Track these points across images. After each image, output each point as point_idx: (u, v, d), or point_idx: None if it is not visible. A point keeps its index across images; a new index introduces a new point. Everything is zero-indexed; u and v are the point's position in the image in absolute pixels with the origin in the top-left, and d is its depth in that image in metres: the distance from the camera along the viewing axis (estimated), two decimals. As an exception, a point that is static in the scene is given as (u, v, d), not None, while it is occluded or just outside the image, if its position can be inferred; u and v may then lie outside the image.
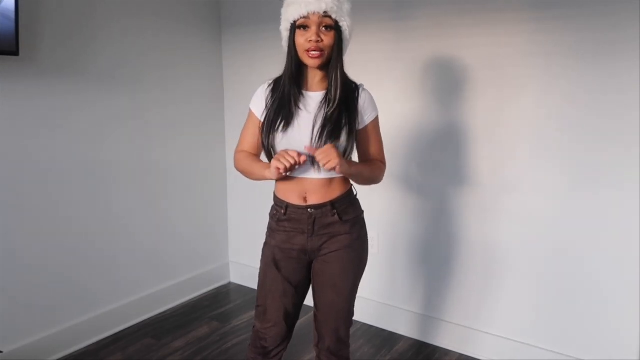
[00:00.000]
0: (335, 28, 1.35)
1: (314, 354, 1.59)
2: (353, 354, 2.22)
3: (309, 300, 1.55)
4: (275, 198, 1.51)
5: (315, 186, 1.43)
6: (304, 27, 1.35)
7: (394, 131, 2.31)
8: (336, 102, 1.38)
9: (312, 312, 1.56)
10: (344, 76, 1.41)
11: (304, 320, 2.15)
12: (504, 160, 2.09)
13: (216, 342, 2.42)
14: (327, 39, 1.35)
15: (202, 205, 2.94)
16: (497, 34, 2.03)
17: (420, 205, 2.35)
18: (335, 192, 1.45)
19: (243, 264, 3.07)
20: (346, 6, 1.37)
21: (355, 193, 1.53)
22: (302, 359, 2.25)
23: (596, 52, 1.83)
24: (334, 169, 1.31)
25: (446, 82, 2.19)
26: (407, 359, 2.27)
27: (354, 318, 1.58)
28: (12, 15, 1.83)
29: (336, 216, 1.44)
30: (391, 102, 2.31)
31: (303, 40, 1.35)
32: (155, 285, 2.69)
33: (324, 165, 1.31)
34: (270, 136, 1.41)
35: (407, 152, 2.33)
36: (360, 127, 1.45)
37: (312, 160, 1.39)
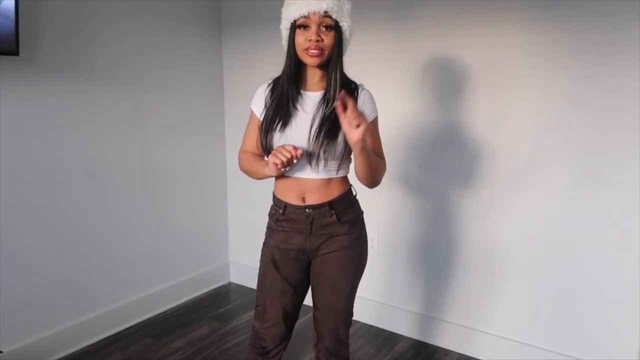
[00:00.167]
0: (335, 28, 1.35)
1: (313, 354, 1.59)
2: (353, 354, 2.22)
3: (308, 300, 1.55)
4: (274, 198, 1.52)
5: (313, 186, 1.43)
6: (304, 26, 1.34)
7: (394, 131, 2.31)
8: (334, 101, 1.38)
9: (312, 312, 1.56)
10: (343, 76, 1.41)
11: (304, 320, 2.15)
12: (504, 160, 2.09)
13: (216, 342, 2.42)
14: (327, 38, 1.35)
15: (202, 205, 2.94)
16: (497, 34, 2.03)
17: (420, 205, 2.35)
18: (334, 193, 1.45)
19: (243, 264, 3.07)
20: (346, 6, 1.37)
21: (354, 193, 1.53)
22: (301, 359, 2.25)
23: (596, 52, 1.83)
24: (355, 141, 1.24)
25: (446, 82, 2.19)
26: (407, 359, 2.27)
27: (354, 318, 1.58)
28: (12, 15, 1.83)
29: (334, 217, 1.43)
30: (391, 102, 2.31)
31: (303, 39, 1.35)
32: (155, 285, 2.69)
33: (355, 124, 1.21)
34: (269, 135, 1.41)
35: (407, 152, 2.33)
36: None
37: (309, 159, 1.38)
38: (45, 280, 2.18)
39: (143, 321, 2.61)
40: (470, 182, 2.19)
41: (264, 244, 1.54)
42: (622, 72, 1.78)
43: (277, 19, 1.42)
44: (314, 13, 1.32)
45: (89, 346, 2.35)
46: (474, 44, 2.09)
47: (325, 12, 1.32)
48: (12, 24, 1.84)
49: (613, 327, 1.92)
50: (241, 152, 1.56)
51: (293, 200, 1.45)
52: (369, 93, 1.46)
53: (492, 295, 2.20)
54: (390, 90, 2.32)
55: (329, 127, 1.37)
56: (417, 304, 2.43)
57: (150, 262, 2.66)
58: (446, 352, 2.32)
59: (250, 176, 1.53)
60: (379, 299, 2.54)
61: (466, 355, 2.28)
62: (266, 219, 1.55)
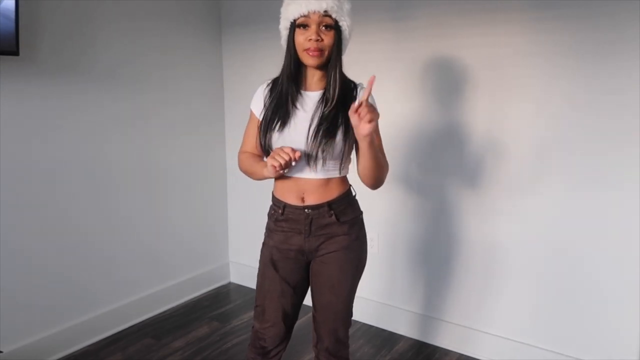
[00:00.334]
0: (335, 28, 1.35)
1: (313, 354, 1.59)
2: (353, 354, 2.22)
3: (308, 300, 1.55)
4: (274, 198, 1.51)
5: (312, 186, 1.42)
6: (304, 26, 1.34)
7: (394, 131, 2.31)
8: (334, 101, 1.37)
9: (311, 313, 1.56)
10: (343, 76, 1.41)
11: (304, 321, 2.15)
12: (504, 160, 2.09)
13: (216, 342, 2.42)
14: (327, 38, 1.34)
15: (202, 205, 2.94)
16: (497, 34, 2.03)
17: (420, 205, 2.35)
18: (333, 193, 1.44)
19: (243, 264, 3.07)
20: (346, 6, 1.37)
21: (354, 194, 1.52)
22: (301, 359, 2.25)
23: (596, 52, 1.83)
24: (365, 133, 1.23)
25: (446, 82, 2.19)
26: (407, 359, 2.27)
27: (354, 318, 1.58)
28: (12, 15, 1.83)
29: (333, 217, 1.43)
30: (391, 102, 2.30)
31: (302, 39, 1.34)
32: (155, 285, 2.69)
33: (367, 119, 1.20)
34: (267, 135, 1.41)
35: (407, 152, 2.33)
36: None
37: (307, 159, 1.38)
38: (45, 280, 2.18)
39: (143, 321, 2.61)
40: (470, 182, 2.19)
41: (263, 244, 1.54)
42: (622, 72, 1.78)
43: (277, 19, 1.42)
44: (314, 12, 1.32)
45: (89, 346, 2.35)
46: (474, 44, 2.09)
47: (325, 11, 1.32)
48: (12, 24, 1.84)
49: (613, 327, 1.92)
50: (241, 152, 1.56)
51: (292, 200, 1.44)
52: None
53: (492, 295, 2.20)
54: (390, 90, 2.32)
55: (327, 127, 1.36)
56: (417, 304, 2.43)
57: (150, 262, 2.66)
58: (446, 352, 2.32)
59: (249, 177, 1.53)
60: (379, 299, 2.54)
61: (466, 355, 2.28)
62: (266, 219, 1.55)
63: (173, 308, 2.77)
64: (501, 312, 2.19)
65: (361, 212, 1.54)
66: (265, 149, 1.44)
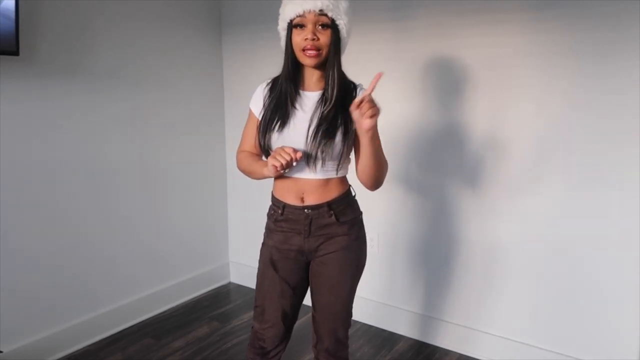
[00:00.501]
0: (332, 26, 1.34)
1: (312, 354, 1.59)
2: (353, 354, 2.22)
3: (308, 300, 1.55)
4: (273, 198, 1.51)
5: (312, 186, 1.42)
6: (301, 25, 1.34)
7: (394, 131, 2.31)
8: (332, 101, 1.37)
9: (311, 313, 1.56)
10: (341, 75, 1.41)
11: (303, 321, 2.15)
12: (504, 160, 2.09)
13: (216, 342, 2.42)
14: (324, 37, 1.34)
15: (202, 205, 2.94)
16: (497, 34, 2.03)
17: (420, 205, 2.35)
18: (333, 193, 1.44)
19: (243, 264, 3.07)
20: (343, 4, 1.36)
21: (353, 194, 1.52)
22: (301, 359, 2.25)
23: (596, 52, 1.83)
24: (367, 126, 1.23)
25: (446, 82, 2.19)
26: (407, 359, 2.27)
27: (354, 318, 1.58)
28: (12, 15, 1.83)
29: (333, 217, 1.43)
30: (391, 102, 2.30)
31: (299, 39, 1.34)
32: (155, 285, 2.69)
33: (368, 115, 1.21)
34: (267, 135, 1.41)
35: (407, 152, 2.33)
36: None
37: (307, 160, 1.38)
38: (46, 280, 2.18)
39: (143, 321, 2.61)
40: (470, 182, 2.19)
41: (263, 244, 1.54)
42: (622, 72, 1.78)
43: (277, 19, 1.42)
44: (310, 11, 1.32)
45: (89, 346, 2.35)
46: (474, 44, 2.08)
47: (321, 10, 1.32)
48: (12, 24, 1.84)
49: (613, 327, 1.92)
50: (239, 151, 1.56)
51: (292, 200, 1.44)
52: None
53: (492, 295, 2.20)
54: (390, 90, 2.32)
55: (326, 127, 1.36)
56: (417, 304, 2.43)
57: (150, 262, 2.66)
58: (446, 352, 2.32)
59: (248, 176, 1.53)
60: (379, 299, 2.54)
61: (466, 355, 2.28)
62: (266, 219, 1.55)
63: (173, 308, 2.77)
64: (501, 312, 2.19)
65: (361, 213, 1.53)
66: (264, 149, 1.44)
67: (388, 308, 2.51)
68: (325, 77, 1.40)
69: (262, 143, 1.43)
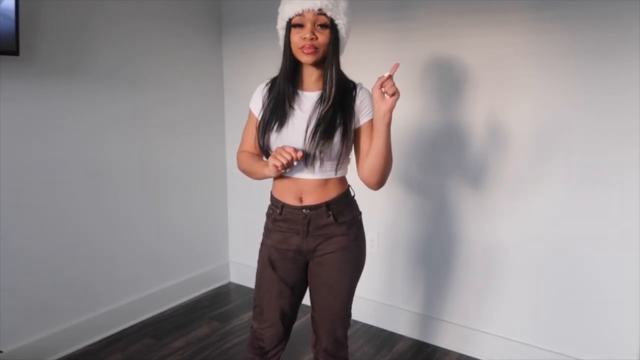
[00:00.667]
0: (330, 26, 1.34)
1: (312, 354, 1.59)
2: (353, 354, 2.22)
3: (307, 300, 1.55)
4: (272, 198, 1.51)
5: (310, 187, 1.42)
6: (299, 25, 1.34)
7: (394, 131, 2.29)
8: (330, 101, 1.37)
9: (310, 313, 1.56)
10: (340, 75, 1.41)
11: (303, 321, 2.15)
12: (503, 160, 2.09)
13: (216, 342, 2.42)
14: (322, 37, 1.34)
15: (202, 205, 2.94)
16: (497, 34, 2.03)
17: (420, 205, 2.35)
18: (331, 193, 1.44)
19: (243, 264, 3.07)
20: (342, 4, 1.36)
21: (352, 194, 1.52)
22: (300, 359, 2.25)
23: (596, 52, 1.83)
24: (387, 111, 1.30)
25: (446, 82, 2.19)
26: (407, 359, 2.27)
27: (354, 318, 1.58)
28: (12, 15, 1.83)
29: (331, 217, 1.43)
30: (391, 102, 2.30)
31: (298, 38, 1.34)
32: (155, 285, 2.69)
33: (391, 92, 1.28)
34: (266, 135, 1.41)
35: (407, 152, 2.33)
36: (357, 126, 1.42)
37: (305, 160, 1.38)
38: (46, 280, 2.18)
39: (143, 321, 2.61)
40: (470, 182, 2.19)
41: (262, 243, 1.54)
42: (622, 72, 1.78)
43: (277, 18, 1.42)
44: (308, 11, 1.32)
45: (89, 346, 2.35)
46: (474, 44, 2.08)
47: (320, 9, 1.32)
48: (12, 24, 1.84)
49: (613, 327, 1.92)
50: (240, 151, 1.56)
51: (290, 200, 1.44)
52: (368, 92, 1.45)
53: (492, 295, 2.20)
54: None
55: (325, 128, 1.36)
56: (417, 304, 2.43)
57: (150, 262, 2.66)
58: (446, 352, 2.32)
59: (249, 176, 1.53)
60: (379, 299, 2.54)
61: (466, 355, 2.28)
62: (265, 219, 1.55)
63: (173, 308, 2.77)
64: (501, 312, 2.19)
65: (360, 213, 1.53)
66: (264, 149, 1.44)
67: (388, 308, 2.51)
68: (323, 77, 1.40)
69: (261, 143, 1.43)
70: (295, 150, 1.32)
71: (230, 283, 3.14)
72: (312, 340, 1.56)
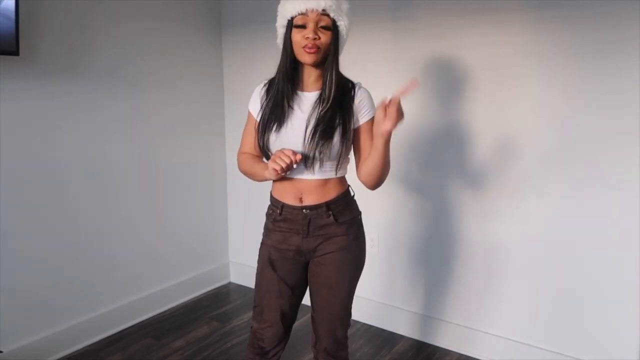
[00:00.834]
0: (332, 27, 1.34)
1: (312, 354, 1.59)
2: (353, 354, 2.22)
3: (307, 300, 1.55)
4: (272, 198, 1.51)
5: (310, 187, 1.42)
6: (302, 24, 1.33)
7: (394, 131, 2.30)
8: (330, 101, 1.36)
9: (310, 313, 1.56)
10: (339, 75, 1.40)
11: (303, 321, 2.15)
12: (503, 160, 2.09)
13: (216, 342, 2.42)
14: (324, 37, 1.33)
15: (202, 205, 2.94)
16: (497, 34, 2.03)
17: (420, 205, 2.35)
18: (331, 193, 1.44)
19: (243, 264, 3.07)
20: (344, 6, 1.36)
21: (352, 194, 1.52)
22: (300, 359, 2.25)
23: (596, 52, 1.83)
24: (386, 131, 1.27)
25: (446, 82, 2.19)
26: (407, 359, 2.27)
27: (354, 318, 1.58)
28: (12, 15, 1.83)
29: (331, 217, 1.43)
30: (391, 102, 2.30)
31: (299, 37, 1.33)
32: (155, 285, 2.69)
33: (393, 119, 1.24)
34: (265, 136, 1.41)
35: (407, 152, 2.33)
36: (355, 126, 1.42)
37: (305, 161, 1.38)
38: (46, 280, 2.18)
39: (143, 321, 2.61)
40: (470, 182, 2.19)
41: (262, 243, 1.53)
42: (622, 72, 1.78)
43: (276, 18, 1.42)
44: (312, 11, 1.31)
45: (89, 346, 2.35)
46: (474, 44, 2.08)
47: (324, 10, 1.31)
48: (12, 24, 1.84)
49: (613, 327, 1.92)
50: (240, 153, 1.56)
51: (290, 200, 1.44)
52: (367, 92, 1.45)
53: (492, 295, 2.20)
54: (390, 90, 2.29)
55: (324, 128, 1.35)
56: (417, 304, 2.43)
57: (150, 262, 2.66)
58: (446, 352, 2.32)
59: (249, 178, 1.53)
60: (379, 299, 2.54)
61: (466, 355, 2.28)
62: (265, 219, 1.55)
63: (173, 308, 2.77)
64: (501, 312, 2.19)
65: (359, 213, 1.53)
66: (263, 150, 1.44)
67: (388, 308, 2.51)
68: (323, 77, 1.39)
69: (260, 143, 1.43)
70: (294, 153, 1.32)
71: (230, 283, 3.14)
72: (312, 340, 1.56)
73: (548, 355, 2.07)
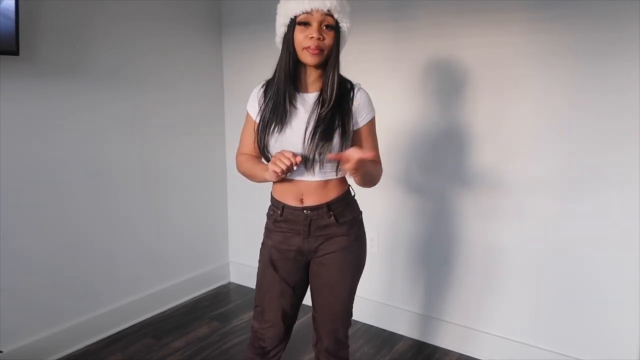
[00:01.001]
0: (335, 28, 1.34)
1: (313, 354, 1.59)
2: (353, 354, 2.22)
3: (308, 300, 1.55)
4: (272, 199, 1.51)
5: (311, 188, 1.42)
6: (305, 23, 1.32)
7: (394, 131, 2.31)
8: (331, 103, 1.36)
9: (311, 313, 1.56)
10: (340, 77, 1.40)
11: (303, 321, 2.15)
12: (504, 160, 2.09)
13: (216, 342, 2.42)
14: (328, 38, 1.33)
15: (202, 205, 2.94)
16: (497, 34, 2.03)
17: (420, 205, 2.35)
18: (332, 194, 1.44)
19: (243, 264, 3.07)
20: (347, 8, 1.36)
21: (353, 194, 1.52)
22: (301, 358, 2.25)
23: (596, 52, 1.83)
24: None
25: (446, 83, 2.19)
26: (407, 359, 2.27)
27: (354, 318, 1.58)
28: (12, 15, 1.83)
29: (332, 218, 1.43)
30: (391, 102, 2.31)
31: (302, 37, 1.32)
32: (155, 285, 2.69)
33: (348, 169, 1.28)
34: (265, 137, 1.40)
35: (407, 152, 2.33)
36: (355, 128, 1.42)
37: (305, 163, 1.37)
38: (46, 280, 2.18)
39: (143, 321, 2.61)
40: (470, 182, 2.19)
41: (263, 244, 1.53)
42: (622, 72, 1.78)
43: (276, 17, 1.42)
44: (317, 10, 1.30)
45: (89, 346, 2.35)
46: (473, 44, 2.09)
47: (328, 10, 1.31)
48: (12, 24, 1.84)
49: (613, 327, 1.92)
50: (239, 154, 1.55)
51: (291, 201, 1.44)
52: (366, 93, 1.44)
53: (492, 295, 2.20)
54: (390, 91, 2.32)
55: (324, 129, 1.35)
56: (417, 304, 2.43)
57: (150, 262, 2.66)
58: (446, 352, 2.32)
59: (249, 179, 1.52)
60: (379, 299, 2.54)
61: (466, 355, 2.28)
62: (266, 219, 1.55)
63: (173, 308, 2.77)
64: (501, 312, 2.19)
65: (360, 213, 1.53)
66: (263, 151, 1.43)
67: (388, 308, 2.51)
68: (324, 79, 1.38)
69: (260, 144, 1.42)
70: (295, 155, 1.31)
71: (230, 283, 3.14)
72: (313, 339, 1.56)
73: (548, 355, 2.07)
